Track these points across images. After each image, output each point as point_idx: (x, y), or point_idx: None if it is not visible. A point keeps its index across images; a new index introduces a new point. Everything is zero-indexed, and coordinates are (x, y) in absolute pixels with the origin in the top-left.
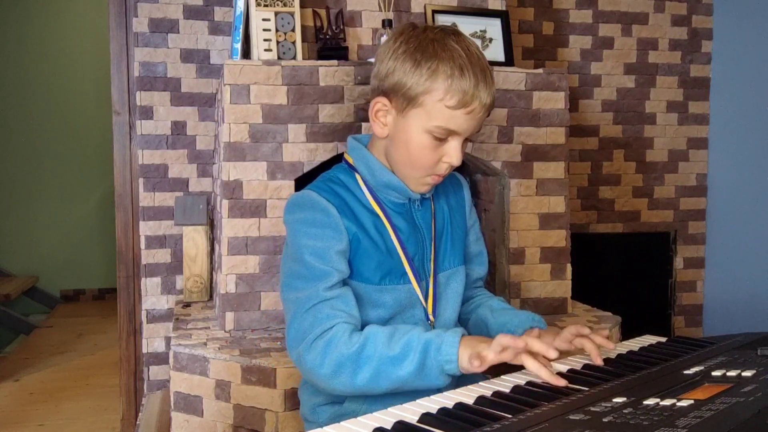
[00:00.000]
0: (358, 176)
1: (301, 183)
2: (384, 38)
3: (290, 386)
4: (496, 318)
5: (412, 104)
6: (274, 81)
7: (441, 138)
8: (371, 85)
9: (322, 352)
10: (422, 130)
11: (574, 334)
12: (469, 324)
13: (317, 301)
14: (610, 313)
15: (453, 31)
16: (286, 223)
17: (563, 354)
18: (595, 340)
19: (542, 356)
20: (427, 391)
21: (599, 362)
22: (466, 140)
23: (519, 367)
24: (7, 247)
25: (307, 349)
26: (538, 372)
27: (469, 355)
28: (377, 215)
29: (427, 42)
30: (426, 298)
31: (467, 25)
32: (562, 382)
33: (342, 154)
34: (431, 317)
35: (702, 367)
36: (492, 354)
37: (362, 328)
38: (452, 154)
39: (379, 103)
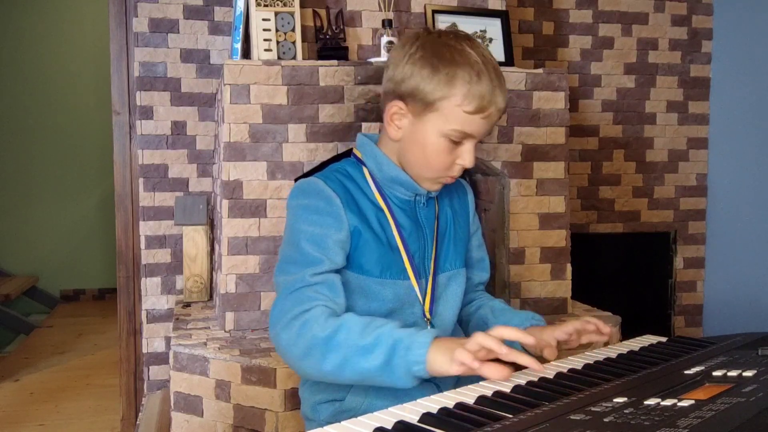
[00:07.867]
0: (365, 170)
1: None
2: (384, 38)
3: (290, 386)
4: (497, 318)
5: (430, 109)
6: (274, 81)
7: (456, 141)
8: (384, 87)
9: (297, 332)
10: (439, 134)
11: (579, 329)
12: (470, 326)
13: (302, 285)
14: (610, 313)
15: (466, 36)
16: (288, 207)
17: (562, 345)
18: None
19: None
20: (420, 392)
21: (607, 330)
22: (478, 142)
23: (523, 367)
24: (6, 247)
25: (284, 328)
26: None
27: (445, 358)
28: (381, 209)
29: (443, 48)
30: (424, 297)
31: (467, 25)
32: (539, 367)
33: (348, 150)
34: (428, 315)
35: (703, 367)
36: (468, 352)
37: None
38: (466, 156)
39: (395, 107)
